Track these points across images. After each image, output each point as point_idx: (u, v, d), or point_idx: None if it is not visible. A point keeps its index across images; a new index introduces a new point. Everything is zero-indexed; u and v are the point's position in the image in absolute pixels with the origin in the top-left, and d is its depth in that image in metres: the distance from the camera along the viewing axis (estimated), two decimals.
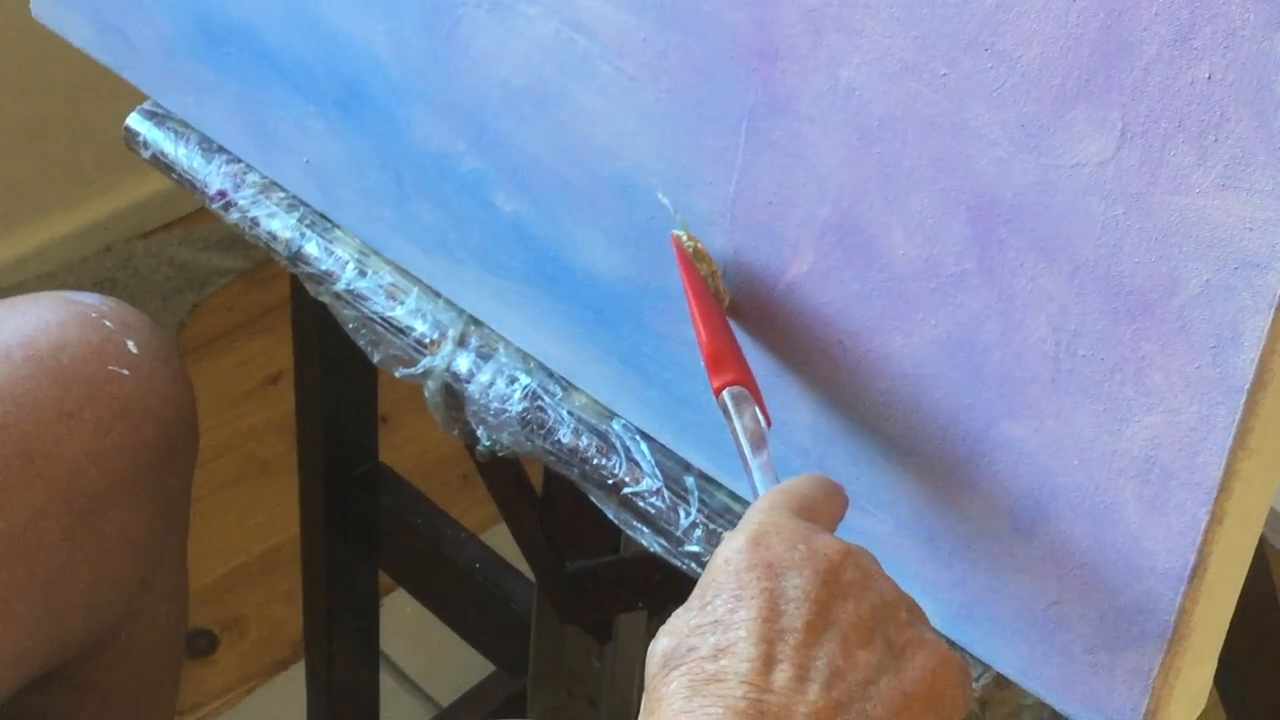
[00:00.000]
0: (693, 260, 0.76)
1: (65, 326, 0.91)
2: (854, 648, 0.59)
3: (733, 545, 0.62)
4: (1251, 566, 0.72)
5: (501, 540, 1.25)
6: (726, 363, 0.72)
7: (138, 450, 0.92)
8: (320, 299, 0.98)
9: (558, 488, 1.08)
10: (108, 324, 0.93)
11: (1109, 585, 0.72)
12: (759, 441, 0.71)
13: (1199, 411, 0.65)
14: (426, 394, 0.94)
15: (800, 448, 0.79)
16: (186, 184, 1.02)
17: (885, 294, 0.73)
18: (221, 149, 1.02)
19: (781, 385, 0.79)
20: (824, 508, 0.67)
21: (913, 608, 0.63)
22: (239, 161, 1.01)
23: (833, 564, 0.61)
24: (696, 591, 0.61)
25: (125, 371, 0.91)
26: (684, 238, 0.77)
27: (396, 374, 0.94)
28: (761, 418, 0.72)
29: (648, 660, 0.61)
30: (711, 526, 0.85)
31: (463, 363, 0.92)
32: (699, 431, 0.85)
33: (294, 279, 1.11)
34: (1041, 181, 0.65)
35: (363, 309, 0.95)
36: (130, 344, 0.93)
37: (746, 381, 0.72)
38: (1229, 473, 0.66)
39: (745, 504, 0.86)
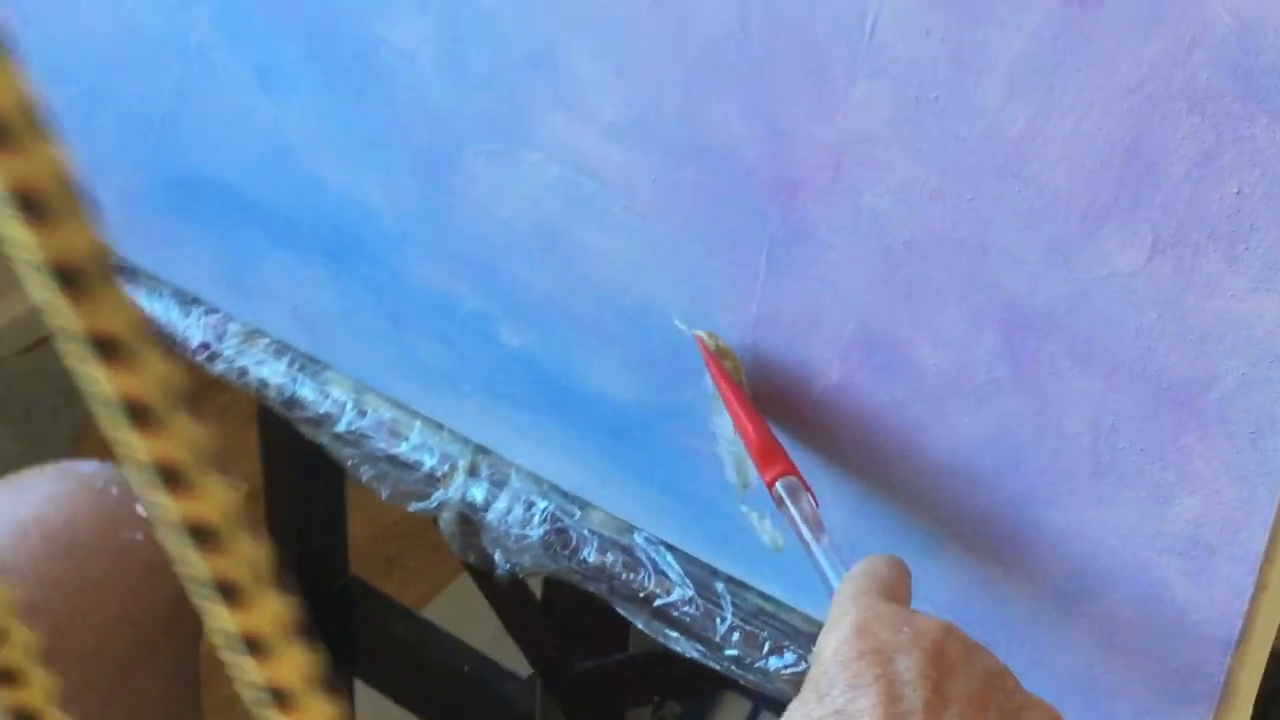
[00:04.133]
0: (719, 358, 0.79)
1: (74, 498, 0.92)
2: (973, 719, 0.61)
3: (838, 636, 0.64)
4: None
5: (456, 626, 1.26)
6: (775, 454, 0.75)
7: (159, 609, 0.93)
8: (318, 440, 0.99)
9: (557, 589, 1.10)
10: (113, 490, 0.94)
11: (1157, 653, 0.76)
12: (818, 527, 0.73)
13: (1240, 493, 0.69)
14: (441, 524, 0.95)
15: (833, 545, 0.82)
16: (164, 339, 1.03)
17: (916, 402, 0.76)
18: (197, 299, 1.03)
19: (811, 483, 0.82)
20: (904, 585, 0.69)
21: (1011, 674, 0.66)
22: (217, 311, 1.02)
23: (937, 642, 0.63)
24: (808, 685, 0.64)
25: (138, 535, 0.92)
26: (705, 337, 0.80)
27: (410, 508, 0.96)
28: (813, 503, 0.75)
29: None
30: (748, 629, 0.88)
31: (477, 492, 0.94)
32: (725, 537, 0.88)
33: (262, 409, 1.12)
34: (1072, 293, 0.69)
35: (366, 448, 0.97)
36: (139, 508, 0.94)
37: (796, 471, 0.75)
38: (1272, 544, 0.70)
39: (778, 604, 0.88)
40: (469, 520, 0.94)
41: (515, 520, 0.93)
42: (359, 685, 1.38)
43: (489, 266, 0.87)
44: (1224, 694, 0.75)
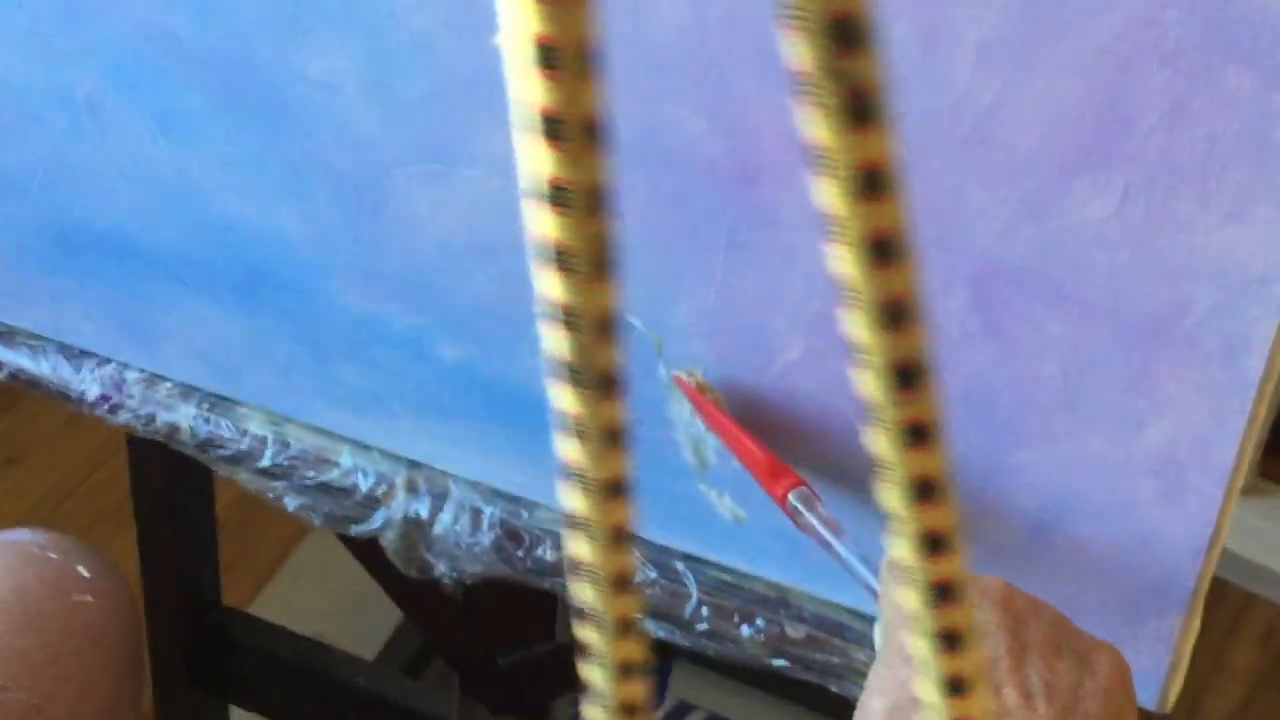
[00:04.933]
0: (702, 393, 0.81)
1: (17, 571, 0.90)
2: (1053, 661, 0.65)
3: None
4: None
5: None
6: (782, 470, 0.78)
7: (120, 667, 0.91)
8: (236, 479, 0.98)
9: (476, 589, 1.11)
10: (53, 555, 0.92)
11: (1129, 570, 0.81)
12: (837, 528, 0.76)
13: (1211, 410, 0.74)
14: (384, 543, 0.95)
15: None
16: (58, 395, 1.00)
17: None
18: (85, 353, 1.00)
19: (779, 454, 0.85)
20: None
21: (1069, 619, 0.69)
22: (110, 361, 1.00)
23: (1004, 594, 0.67)
24: (886, 651, 0.66)
25: (89, 598, 0.91)
26: (684, 376, 0.82)
27: (350, 532, 0.96)
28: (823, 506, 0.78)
29: None
30: (716, 602, 0.90)
31: (419, 508, 0.94)
32: (682, 518, 0.90)
33: (131, 440, 1.10)
34: (1044, 244, 0.73)
35: (295, 479, 0.96)
36: (81, 569, 0.92)
37: (804, 481, 0.78)
38: (1240, 455, 0.75)
39: (739, 574, 0.91)
40: (411, 536, 0.95)
41: (464, 529, 0.93)
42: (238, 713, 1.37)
43: (422, 284, 0.87)
44: (1192, 599, 0.81)
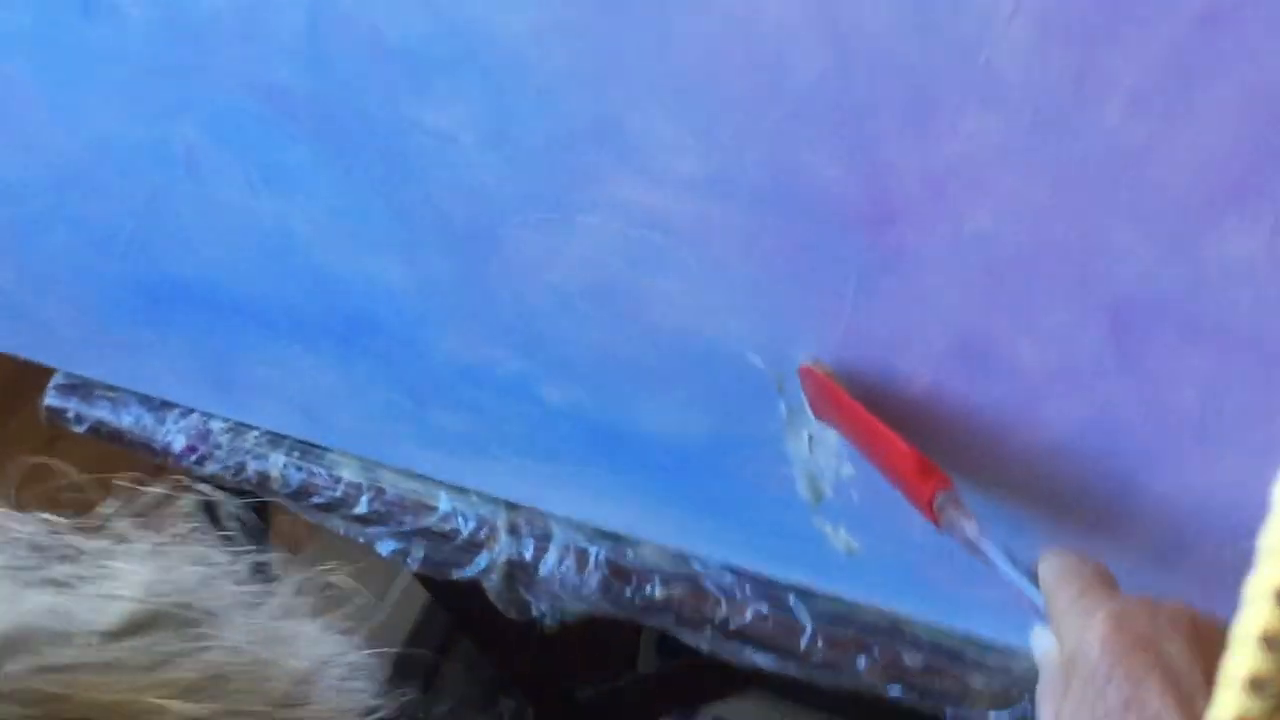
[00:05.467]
0: (834, 383, 0.81)
1: None
2: None
3: (1098, 632, 0.67)
4: None
5: None
6: (928, 467, 0.77)
7: None
8: (327, 524, 0.98)
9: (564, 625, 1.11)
10: None
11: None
12: (984, 530, 0.76)
13: None
14: (488, 586, 0.95)
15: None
16: (140, 447, 0.99)
17: (1014, 397, 0.80)
18: (167, 404, 1.00)
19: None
20: (1107, 572, 0.73)
21: None
22: (193, 411, 0.99)
23: (1192, 622, 0.67)
24: (1081, 682, 0.66)
25: None
26: (814, 365, 0.82)
27: (451, 575, 0.95)
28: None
29: None
30: (831, 633, 0.91)
31: (523, 549, 0.94)
32: (793, 551, 0.90)
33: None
34: (1187, 280, 0.73)
35: (391, 524, 0.96)
36: None
37: (951, 483, 0.77)
38: None
39: (851, 605, 0.92)
40: (515, 577, 0.95)
41: (569, 569, 0.93)
42: None
43: (531, 331, 0.87)
44: None
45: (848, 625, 0.91)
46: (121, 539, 0.45)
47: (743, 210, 0.79)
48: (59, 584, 0.46)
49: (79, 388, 1.00)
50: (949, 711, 0.90)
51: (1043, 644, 0.72)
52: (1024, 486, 0.83)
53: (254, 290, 0.92)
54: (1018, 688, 0.89)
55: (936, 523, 0.78)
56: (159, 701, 0.42)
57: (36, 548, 0.47)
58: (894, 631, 0.91)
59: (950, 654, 0.90)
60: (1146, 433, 0.79)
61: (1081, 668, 0.67)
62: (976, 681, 0.90)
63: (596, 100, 0.78)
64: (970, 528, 0.76)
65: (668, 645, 1.20)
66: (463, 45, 0.78)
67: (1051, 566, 0.73)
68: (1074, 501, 0.82)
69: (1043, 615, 0.73)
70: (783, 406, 0.85)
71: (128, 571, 0.45)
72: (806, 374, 0.83)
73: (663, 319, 0.84)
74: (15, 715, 0.41)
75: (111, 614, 0.45)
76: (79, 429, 0.99)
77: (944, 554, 0.87)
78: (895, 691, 0.91)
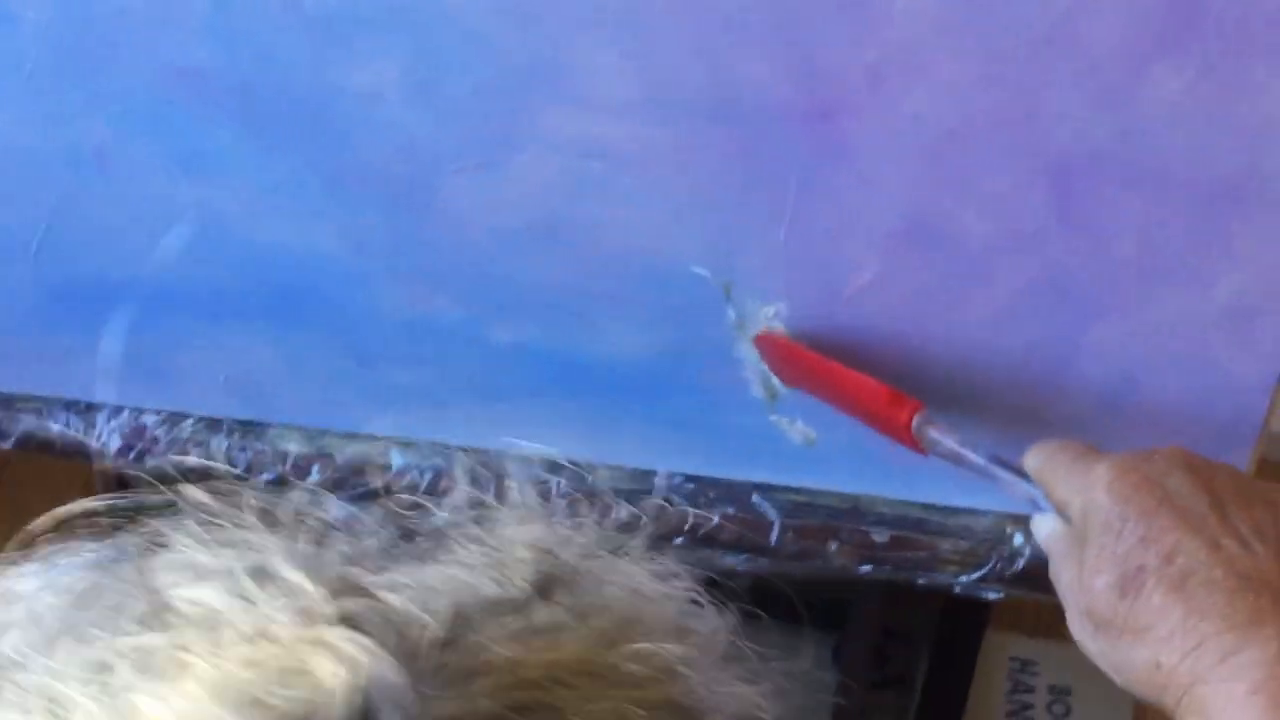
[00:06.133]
0: (791, 342, 0.84)
1: None
2: (1248, 508, 0.69)
3: (1103, 481, 0.70)
4: None
5: None
6: (898, 398, 0.80)
7: None
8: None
9: None
10: None
11: (1201, 418, 0.87)
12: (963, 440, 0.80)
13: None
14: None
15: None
16: (74, 452, 0.98)
17: (960, 271, 0.83)
18: (92, 405, 0.98)
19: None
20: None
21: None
22: (123, 409, 0.98)
23: (1185, 459, 0.71)
24: (1096, 532, 0.69)
25: None
26: (765, 331, 0.85)
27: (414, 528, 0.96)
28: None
29: (1091, 603, 0.69)
30: (799, 524, 0.94)
31: (485, 491, 0.95)
32: (750, 451, 0.93)
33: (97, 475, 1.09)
34: (1122, 130, 0.77)
35: (348, 490, 0.96)
36: None
37: (919, 403, 0.81)
38: None
39: (813, 493, 0.95)
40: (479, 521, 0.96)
41: (534, 504, 0.95)
42: None
43: (474, 275, 0.88)
44: (1260, 433, 0.87)
45: (813, 514, 0.94)
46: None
47: (682, 126, 0.80)
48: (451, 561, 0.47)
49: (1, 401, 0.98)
50: (921, 579, 0.94)
51: (1045, 527, 0.76)
52: (977, 361, 0.86)
53: (178, 279, 0.91)
54: (983, 546, 0.93)
55: (919, 448, 0.81)
56: (638, 646, 0.44)
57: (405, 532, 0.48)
58: (857, 513, 0.94)
59: (914, 525, 0.94)
60: (1086, 285, 0.83)
61: (1094, 519, 0.70)
62: (943, 547, 0.93)
63: (527, 37, 0.79)
64: (953, 440, 0.79)
65: None
66: (385, 1, 0.78)
67: (1038, 454, 0.77)
68: (1023, 364, 0.86)
69: (1039, 505, 0.76)
70: (731, 313, 0.87)
71: (506, 539, 0.46)
72: (764, 341, 0.85)
73: (607, 245, 0.85)
74: (490, 686, 0.42)
75: (516, 581, 0.46)
76: (4, 445, 0.98)
77: None
78: (867, 569, 0.94)
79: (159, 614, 0.45)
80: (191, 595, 0.45)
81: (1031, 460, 0.77)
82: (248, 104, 0.83)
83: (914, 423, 0.80)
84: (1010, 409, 0.87)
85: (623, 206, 0.84)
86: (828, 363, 0.83)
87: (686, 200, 0.83)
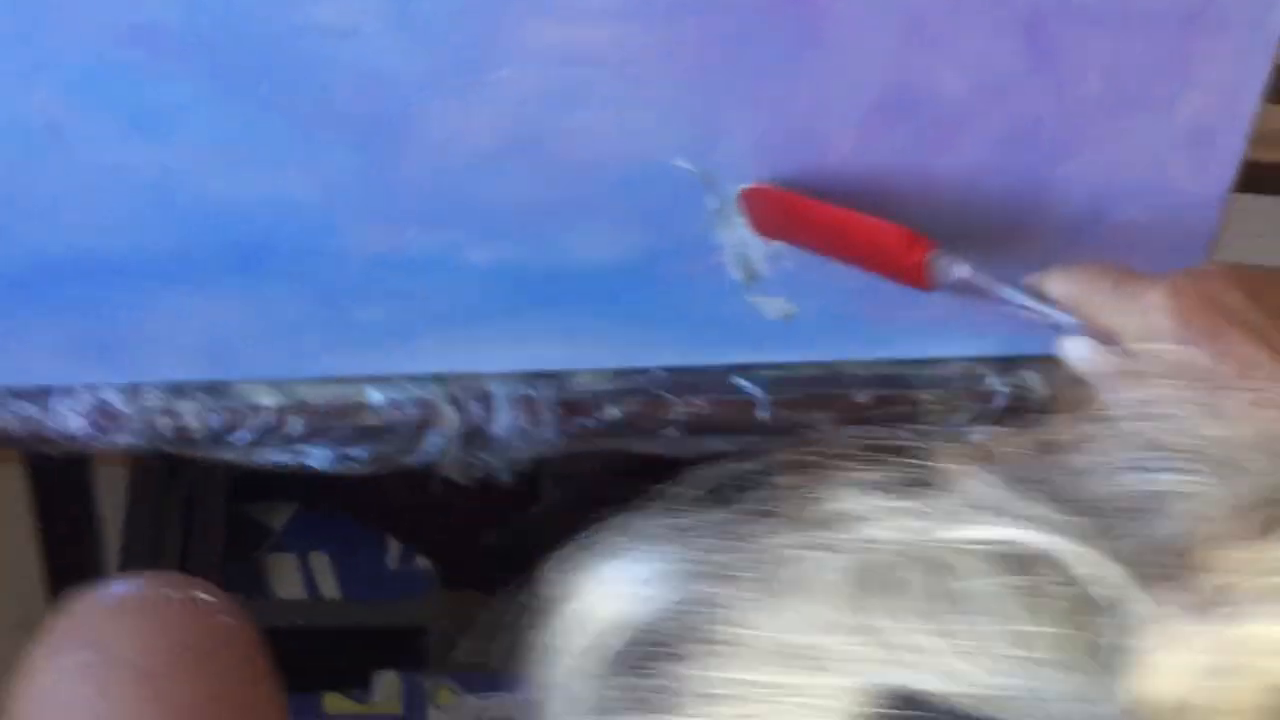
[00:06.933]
0: (786, 192, 0.85)
1: (165, 619, 0.86)
2: None
3: (1161, 306, 0.71)
4: None
5: None
6: (912, 236, 0.81)
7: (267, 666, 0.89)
8: (263, 460, 0.96)
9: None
10: (170, 593, 0.88)
11: (1161, 235, 0.91)
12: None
13: (1237, 72, 0.84)
14: (446, 467, 0.96)
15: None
16: (34, 441, 0.95)
17: (938, 129, 0.85)
18: (43, 389, 0.95)
19: None
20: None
21: None
22: (75, 389, 0.95)
23: (1235, 274, 0.73)
24: (1159, 360, 0.72)
25: (228, 618, 0.88)
26: (749, 187, 0.85)
27: (405, 461, 0.96)
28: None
29: None
30: (786, 399, 0.96)
31: (472, 416, 0.95)
32: (729, 335, 0.95)
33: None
34: None
35: (330, 437, 0.95)
36: (199, 594, 0.89)
37: (932, 241, 0.82)
38: (1259, 101, 0.86)
39: (791, 367, 0.97)
40: (471, 445, 0.96)
41: (522, 420, 0.95)
42: None
43: (450, 201, 0.87)
44: (1211, 242, 0.92)
45: (795, 387, 0.96)
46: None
47: (662, 21, 0.81)
48: None
49: None
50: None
51: (1079, 350, 0.77)
52: (951, 213, 0.88)
53: (136, 245, 0.88)
54: (960, 392, 0.96)
55: (924, 285, 0.82)
56: None
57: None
58: (838, 379, 0.96)
59: (894, 381, 0.96)
60: (1057, 125, 0.85)
61: (1157, 343, 0.73)
62: (923, 398, 0.96)
63: None
64: (966, 270, 0.81)
65: (565, 477, 1.22)
66: None
67: (1065, 279, 0.78)
68: (998, 208, 0.88)
69: (1065, 328, 0.78)
70: (713, 200, 0.87)
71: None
72: (753, 193, 0.86)
73: (586, 152, 0.85)
74: None
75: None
76: None
77: (869, 290, 0.92)
78: (856, 432, 0.96)
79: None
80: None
81: (1059, 286, 0.78)
82: (209, 54, 0.81)
83: (931, 257, 0.81)
84: (987, 247, 0.89)
85: (603, 110, 0.84)
86: (830, 208, 0.84)
87: (668, 95, 0.84)
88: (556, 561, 0.44)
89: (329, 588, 1.50)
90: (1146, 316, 0.74)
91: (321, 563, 1.72)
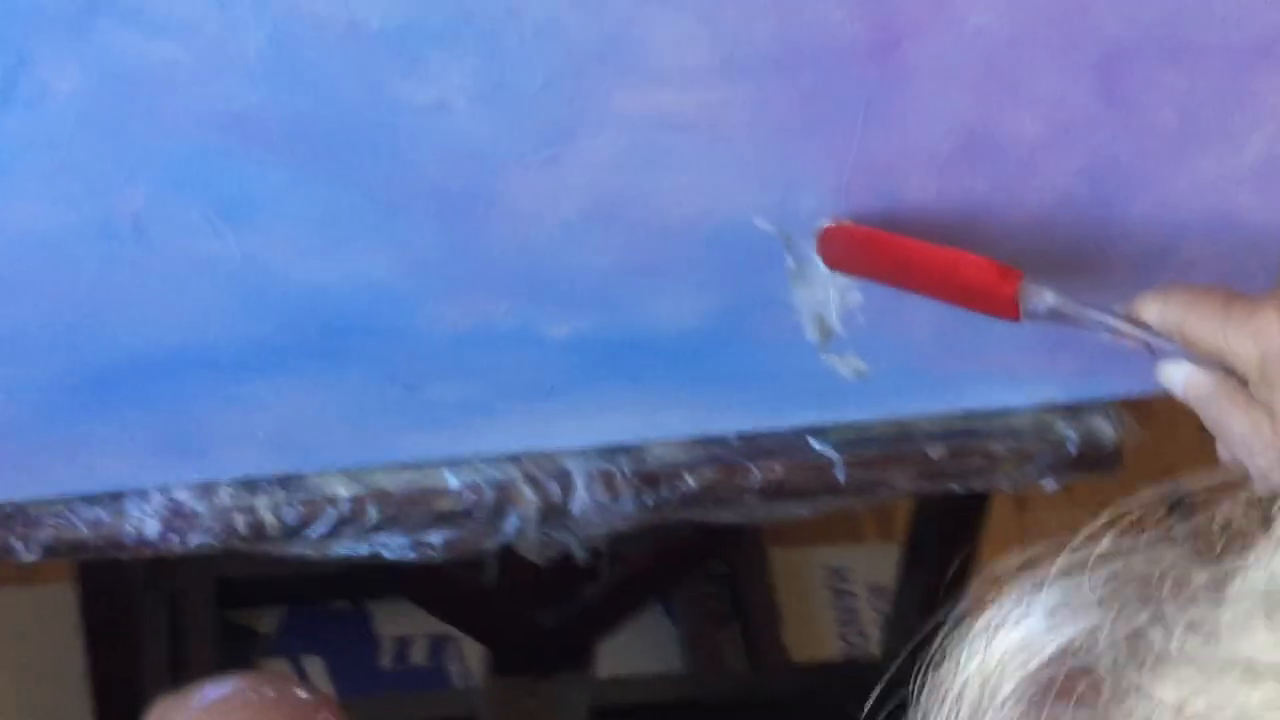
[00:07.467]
0: (867, 229, 0.85)
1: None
2: None
3: (1265, 333, 0.73)
4: None
5: None
6: (1002, 269, 0.82)
7: None
8: (336, 554, 0.95)
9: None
10: (269, 693, 0.87)
11: (1228, 267, 0.92)
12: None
13: None
14: (523, 548, 0.95)
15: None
16: (110, 548, 0.93)
17: (1015, 172, 0.87)
18: (113, 495, 0.93)
19: None
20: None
21: None
22: (151, 492, 0.93)
23: None
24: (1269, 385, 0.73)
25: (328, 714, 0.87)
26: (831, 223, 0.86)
27: (484, 545, 0.95)
28: None
29: None
30: (860, 456, 0.96)
31: (550, 495, 0.94)
32: (804, 397, 0.95)
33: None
34: (1164, 9, 0.82)
35: (410, 524, 0.94)
36: (299, 692, 0.88)
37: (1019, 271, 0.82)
38: None
39: (861, 426, 0.97)
40: (548, 525, 0.95)
41: (601, 495, 0.94)
42: None
43: (532, 273, 0.87)
44: (1278, 275, 0.94)
45: (869, 445, 0.96)
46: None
47: (751, 83, 0.82)
48: None
49: (11, 516, 0.92)
50: (976, 485, 0.97)
51: (1181, 375, 0.77)
52: (1027, 251, 0.89)
53: (220, 338, 0.87)
54: (1032, 441, 0.97)
55: (1017, 316, 0.82)
56: None
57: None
58: (909, 435, 0.97)
59: (965, 434, 0.97)
60: (1130, 161, 0.87)
61: (1271, 370, 0.73)
62: (996, 449, 0.97)
63: (596, 19, 0.79)
64: (1057, 299, 0.81)
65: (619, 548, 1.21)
66: (453, 8, 0.77)
67: (1162, 302, 0.78)
68: (1074, 244, 0.90)
69: (1163, 353, 0.78)
70: (790, 260, 0.88)
71: None
72: (832, 232, 0.86)
73: (670, 214, 0.86)
74: None
75: None
76: (31, 558, 0.92)
77: (940, 342, 0.93)
78: (929, 487, 0.97)
79: None
80: None
81: (1156, 309, 0.77)
82: (302, 138, 0.81)
83: (1021, 289, 0.80)
84: (1061, 281, 0.90)
85: (688, 173, 0.84)
86: (912, 241, 0.84)
87: (752, 155, 0.84)
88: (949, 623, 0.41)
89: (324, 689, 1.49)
90: (1266, 336, 0.74)
91: (315, 665, 1.71)
